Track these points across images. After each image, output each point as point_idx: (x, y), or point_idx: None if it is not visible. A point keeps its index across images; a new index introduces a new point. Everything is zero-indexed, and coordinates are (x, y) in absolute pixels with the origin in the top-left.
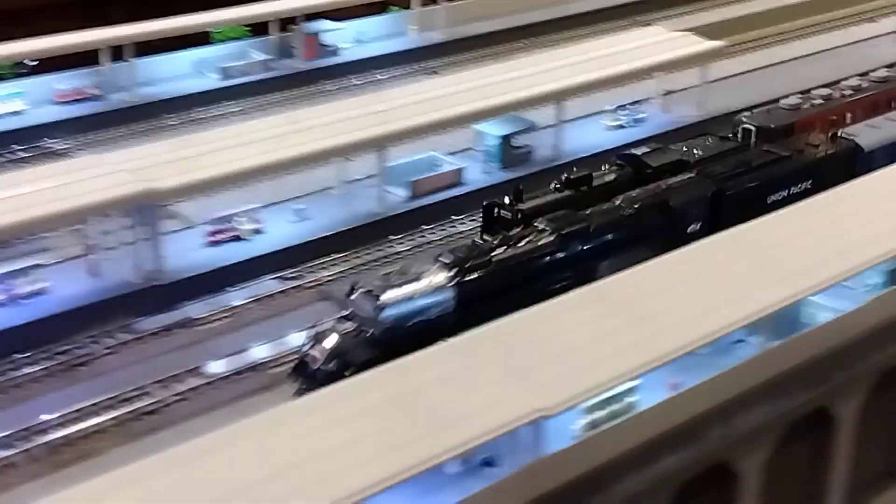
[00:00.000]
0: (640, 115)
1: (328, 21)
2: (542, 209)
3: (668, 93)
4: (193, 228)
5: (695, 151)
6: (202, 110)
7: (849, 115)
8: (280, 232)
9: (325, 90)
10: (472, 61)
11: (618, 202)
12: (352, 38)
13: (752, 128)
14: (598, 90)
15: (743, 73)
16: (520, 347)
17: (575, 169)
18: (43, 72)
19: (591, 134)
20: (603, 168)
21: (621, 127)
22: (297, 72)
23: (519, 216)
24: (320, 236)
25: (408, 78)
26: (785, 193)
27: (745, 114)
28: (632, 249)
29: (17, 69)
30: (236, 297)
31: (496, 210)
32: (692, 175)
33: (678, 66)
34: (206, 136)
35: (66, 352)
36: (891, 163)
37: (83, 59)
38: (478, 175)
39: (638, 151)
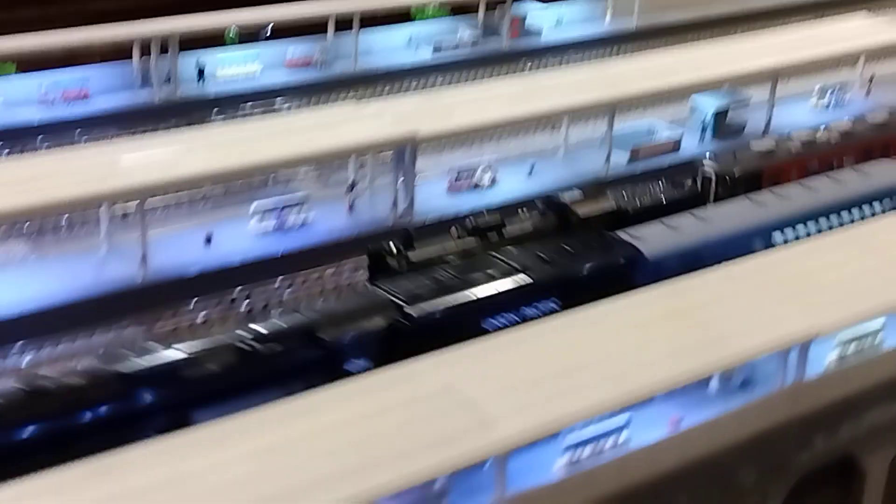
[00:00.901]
0: (846, 97)
1: (533, 3)
2: (436, 259)
3: (872, 77)
4: (435, 176)
5: (636, 200)
6: (415, 81)
7: (832, 162)
8: (513, 185)
9: (527, 69)
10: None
11: (247, 331)
12: (553, 22)
13: (712, 175)
14: (809, 71)
15: None
16: (786, 279)
17: (486, 213)
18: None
19: (799, 113)
20: (521, 213)
21: (827, 107)
22: (502, 51)
23: (408, 267)
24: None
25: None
26: (515, 317)
27: (707, 158)
28: (258, 392)
29: (244, 36)
30: None
31: (383, 257)
32: (365, 295)
33: (887, 51)
34: (457, 91)
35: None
36: (682, 272)
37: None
38: (693, 144)
39: (567, 197)
